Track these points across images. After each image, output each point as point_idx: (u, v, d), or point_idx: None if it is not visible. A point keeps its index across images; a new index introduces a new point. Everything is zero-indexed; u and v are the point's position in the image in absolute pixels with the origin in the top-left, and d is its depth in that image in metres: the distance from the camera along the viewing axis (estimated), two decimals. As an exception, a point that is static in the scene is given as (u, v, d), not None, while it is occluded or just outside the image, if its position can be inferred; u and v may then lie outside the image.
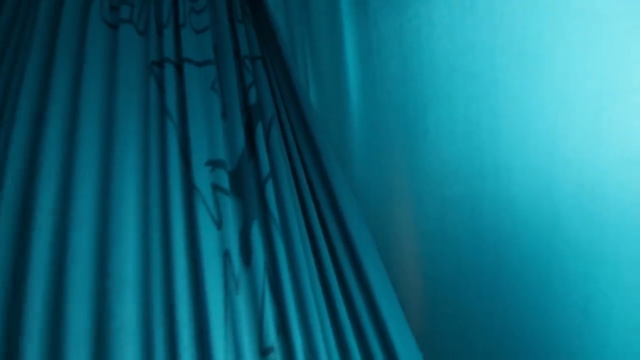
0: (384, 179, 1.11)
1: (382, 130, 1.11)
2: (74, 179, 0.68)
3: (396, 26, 1.07)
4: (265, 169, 0.82)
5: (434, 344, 1.00)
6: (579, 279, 0.92)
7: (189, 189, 0.74)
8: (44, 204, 0.67)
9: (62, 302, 0.64)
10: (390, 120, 1.09)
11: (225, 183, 0.77)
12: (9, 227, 0.66)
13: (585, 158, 0.89)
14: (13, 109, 0.72)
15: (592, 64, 0.86)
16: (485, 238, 1.00)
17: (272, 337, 0.73)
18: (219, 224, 0.75)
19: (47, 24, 0.77)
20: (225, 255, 0.73)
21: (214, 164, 0.78)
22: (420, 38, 1.05)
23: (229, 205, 0.77)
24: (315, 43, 1.16)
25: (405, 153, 1.08)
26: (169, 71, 0.79)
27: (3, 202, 0.66)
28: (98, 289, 0.66)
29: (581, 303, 0.91)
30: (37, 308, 0.64)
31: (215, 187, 0.77)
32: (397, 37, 1.08)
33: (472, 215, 1.02)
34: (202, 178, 0.75)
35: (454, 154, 1.03)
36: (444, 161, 1.04)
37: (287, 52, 0.92)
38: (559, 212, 0.93)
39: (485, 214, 1.00)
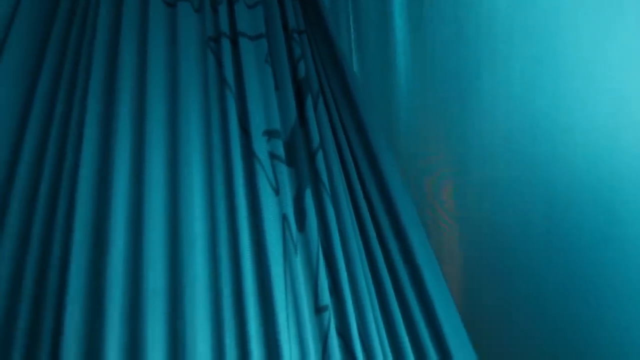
0: (431, 150, 1.13)
1: (431, 99, 1.12)
2: (145, 148, 0.77)
3: (452, -11, 1.07)
4: (316, 140, 0.88)
5: (477, 319, 1.00)
6: (639, 245, 0.91)
7: (249, 156, 0.81)
8: (120, 170, 0.76)
9: (140, 259, 0.73)
10: (440, 88, 1.11)
11: (281, 152, 0.84)
12: (90, 190, 0.76)
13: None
14: (84, 90, 0.81)
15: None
16: (536, 202, 1.01)
17: (326, 297, 0.80)
18: (277, 191, 0.82)
19: (110, 8, 0.85)
20: (284, 218, 0.81)
21: (270, 133, 0.85)
22: (478, -1, 1.05)
23: (285, 173, 0.83)
24: (360, 10, 1.17)
25: (455, 122, 1.09)
26: (226, 45, 0.85)
27: (82, 168, 0.76)
28: (171, 248, 0.75)
29: (641, 271, 0.91)
30: (118, 266, 0.73)
31: (272, 156, 0.84)
32: (452, 0, 1.07)
33: (523, 180, 1.02)
34: (261, 146, 0.82)
35: (509, 119, 1.03)
36: (497, 127, 1.05)
37: (330, 25, 0.95)
38: (621, 175, 0.92)
39: (537, 178, 1.00)
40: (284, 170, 0.83)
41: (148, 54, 0.81)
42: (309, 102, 0.90)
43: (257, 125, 0.83)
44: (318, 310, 0.80)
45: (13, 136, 0.80)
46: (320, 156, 0.87)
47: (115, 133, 0.77)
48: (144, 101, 0.79)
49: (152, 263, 0.73)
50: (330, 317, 0.79)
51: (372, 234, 0.88)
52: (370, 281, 0.86)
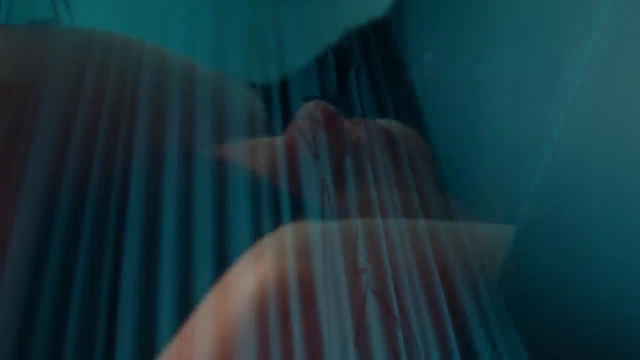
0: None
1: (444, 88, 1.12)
2: (193, 117, 0.83)
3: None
4: (358, 109, 0.93)
5: (528, 311, 1.01)
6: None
7: (288, 121, 0.87)
8: (171, 139, 0.82)
9: (190, 217, 0.79)
10: (449, 70, 1.11)
11: (320, 118, 0.89)
12: (143, 156, 0.82)
13: None
14: (140, 52, 0.87)
15: None
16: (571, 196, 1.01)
17: (364, 260, 0.85)
18: (316, 156, 0.87)
19: None
20: (323, 182, 0.86)
21: (309, 100, 0.90)
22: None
23: (324, 139, 0.89)
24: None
25: (467, 106, 1.09)
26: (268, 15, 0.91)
27: (139, 122, 0.82)
28: (217, 208, 0.81)
29: None
30: (171, 225, 0.79)
31: (312, 121, 0.89)
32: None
33: (555, 172, 1.02)
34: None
35: (533, 99, 1.05)
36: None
37: None
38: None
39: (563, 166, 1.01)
40: (323, 137, 0.89)
41: (196, 28, 0.87)
42: (351, 73, 0.95)
43: (297, 91, 0.89)
44: (356, 271, 0.84)
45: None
46: (361, 124, 0.92)
47: (166, 104, 0.83)
48: (193, 68, 0.85)
49: (200, 217, 0.79)
50: (367, 279, 0.84)
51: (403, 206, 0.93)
52: (407, 247, 0.90)
